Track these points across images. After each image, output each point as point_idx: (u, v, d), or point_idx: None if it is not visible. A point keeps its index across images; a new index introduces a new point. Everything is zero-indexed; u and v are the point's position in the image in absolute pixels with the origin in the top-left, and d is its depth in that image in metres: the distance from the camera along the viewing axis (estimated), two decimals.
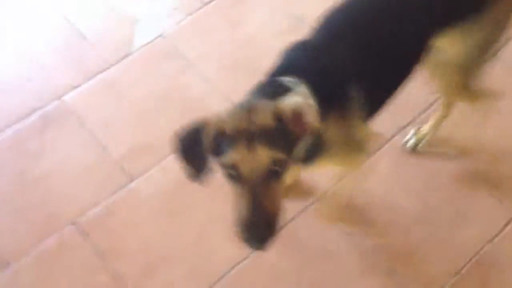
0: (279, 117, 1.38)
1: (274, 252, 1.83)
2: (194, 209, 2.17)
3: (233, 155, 1.35)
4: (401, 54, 1.69)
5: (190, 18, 2.67)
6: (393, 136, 2.29)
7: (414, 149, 2.24)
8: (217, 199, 2.08)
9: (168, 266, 2.05)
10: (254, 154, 1.34)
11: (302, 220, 2.10)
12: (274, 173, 1.37)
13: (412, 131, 2.25)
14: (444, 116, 2.16)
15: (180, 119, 2.35)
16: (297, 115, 1.38)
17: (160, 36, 2.63)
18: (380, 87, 1.70)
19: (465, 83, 1.86)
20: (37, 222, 2.16)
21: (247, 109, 1.40)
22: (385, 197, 2.15)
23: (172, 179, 2.25)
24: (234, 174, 1.38)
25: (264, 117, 1.37)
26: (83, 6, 2.73)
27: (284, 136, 1.38)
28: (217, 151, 1.38)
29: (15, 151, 2.34)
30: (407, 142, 2.25)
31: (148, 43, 2.61)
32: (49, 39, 2.64)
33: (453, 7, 1.66)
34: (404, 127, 2.31)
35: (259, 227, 1.35)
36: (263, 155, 1.34)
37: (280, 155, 1.36)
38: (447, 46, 1.72)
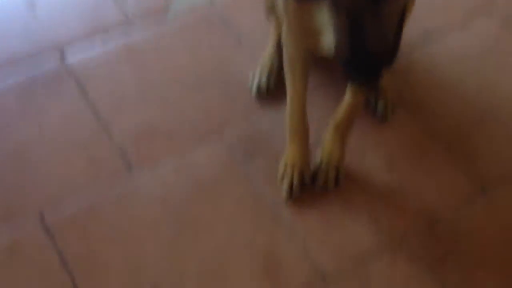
0: None
1: None
2: (212, 227, 1.55)
3: None
4: None
5: None
6: None
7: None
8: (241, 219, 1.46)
9: None
10: None
11: None
12: None
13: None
14: None
15: (218, 105, 1.71)
16: None
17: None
18: None
19: None
20: None
21: None
22: None
23: (185, 184, 1.64)
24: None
25: None
26: None
27: None
28: None
29: None
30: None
31: (190, 8, 2.04)
32: None
33: None
34: None
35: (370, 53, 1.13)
36: None
37: None
38: None
